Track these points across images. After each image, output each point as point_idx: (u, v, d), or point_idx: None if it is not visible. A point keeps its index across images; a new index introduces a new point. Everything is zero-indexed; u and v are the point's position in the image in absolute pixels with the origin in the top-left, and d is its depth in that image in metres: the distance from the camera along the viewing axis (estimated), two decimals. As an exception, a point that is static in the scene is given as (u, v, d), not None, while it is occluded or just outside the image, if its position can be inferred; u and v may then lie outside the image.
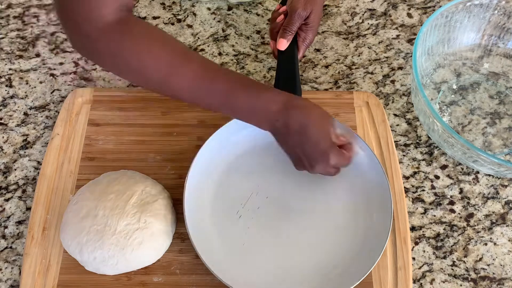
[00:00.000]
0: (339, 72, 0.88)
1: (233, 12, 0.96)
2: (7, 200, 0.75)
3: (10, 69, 0.88)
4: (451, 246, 0.73)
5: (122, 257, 0.65)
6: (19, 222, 0.73)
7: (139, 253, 0.66)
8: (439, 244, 0.73)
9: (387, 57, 0.91)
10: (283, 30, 0.78)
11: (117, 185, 0.68)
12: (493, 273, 0.71)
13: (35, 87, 0.86)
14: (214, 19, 0.95)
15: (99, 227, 0.65)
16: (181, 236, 0.71)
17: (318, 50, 0.91)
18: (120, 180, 0.69)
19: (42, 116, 0.83)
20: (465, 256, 0.72)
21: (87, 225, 0.65)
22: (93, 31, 0.60)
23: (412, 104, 0.85)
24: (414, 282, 0.70)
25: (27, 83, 0.86)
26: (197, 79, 0.65)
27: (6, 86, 0.86)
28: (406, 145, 0.81)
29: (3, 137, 0.81)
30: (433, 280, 0.70)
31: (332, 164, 0.67)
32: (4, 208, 0.74)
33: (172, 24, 0.94)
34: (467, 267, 0.71)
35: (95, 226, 0.65)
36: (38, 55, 0.89)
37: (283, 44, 0.78)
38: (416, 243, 0.73)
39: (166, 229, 0.68)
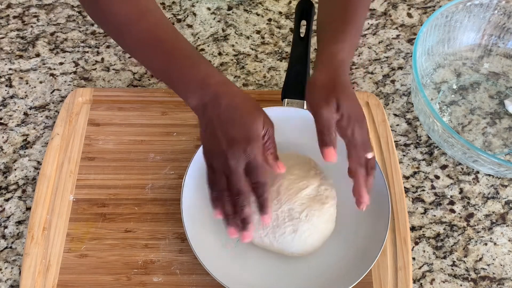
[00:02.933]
0: (339, 72, 0.88)
1: (233, 12, 0.96)
2: (7, 200, 0.75)
3: (10, 69, 0.88)
4: (451, 246, 0.73)
5: (271, 234, 0.67)
6: (19, 222, 0.73)
7: (287, 239, 0.67)
8: (439, 244, 0.73)
9: (387, 57, 0.91)
10: (321, 137, 0.63)
11: (297, 170, 0.70)
12: (493, 273, 0.71)
13: (35, 87, 0.86)
14: (214, 19, 0.95)
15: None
16: (180, 236, 0.71)
17: (318, 50, 0.91)
18: (302, 166, 0.71)
19: (42, 116, 0.83)
20: (465, 256, 0.72)
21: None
22: None
23: (412, 104, 0.85)
24: (414, 282, 0.70)
25: (27, 83, 0.86)
26: (144, 37, 0.66)
27: (6, 86, 0.86)
28: (406, 145, 0.81)
29: (3, 137, 0.81)
30: (433, 280, 0.70)
31: (247, 151, 0.59)
32: (4, 208, 0.74)
33: (172, 24, 0.94)
34: (467, 267, 0.71)
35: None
36: (38, 55, 0.90)
37: (331, 155, 0.62)
38: (416, 243, 0.73)
39: (321, 233, 0.68)
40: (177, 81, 0.66)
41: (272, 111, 0.76)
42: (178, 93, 0.67)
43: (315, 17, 0.95)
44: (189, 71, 0.65)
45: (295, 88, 0.79)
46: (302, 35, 0.83)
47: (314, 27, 0.94)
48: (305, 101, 0.78)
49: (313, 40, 0.93)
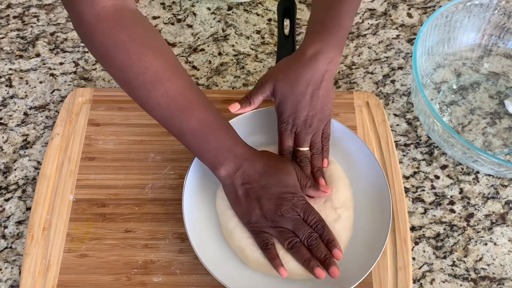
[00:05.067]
0: (339, 72, 0.88)
1: (233, 12, 0.96)
2: (7, 200, 0.75)
3: (10, 69, 0.88)
4: (451, 246, 0.73)
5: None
6: (19, 222, 0.73)
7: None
8: (439, 244, 0.73)
9: (387, 57, 0.91)
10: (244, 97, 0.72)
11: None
12: (493, 273, 0.71)
13: (35, 87, 0.86)
14: (214, 19, 0.95)
15: None
16: (181, 236, 0.71)
17: (318, 50, 0.91)
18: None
19: (42, 116, 0.83)
20: (465, 256, 0.72)
21: None
22: (87, 12, 0.57)
23: (412, 104, 0.85)
24: (414, 282, 0.70)
25: (27, 83, 0.86)
26: (178, 98, 0.62)
27: (6, 86, 0.86)
28: (406, 145, 0.81)
29: (3, 137, 0.81)
30: (433, 280, 0.70)
31: (295, 201, 0.66)
32: (4, 208, 0.74)
33: (172, 24, 0.94)
34: (467, 267, 0.71)
35: None
36: (38, 55, 0.90)
37: (233, 107, 0.71)
38: (416, 243, 0.73)
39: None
40: (209, 150, 0.66)
41: (269, 112, 0.76)
42: (205, 162, 0.67)
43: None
44: (223, 141, 0.66)
45: None
46: (287, 34, 0.84)
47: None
48: None
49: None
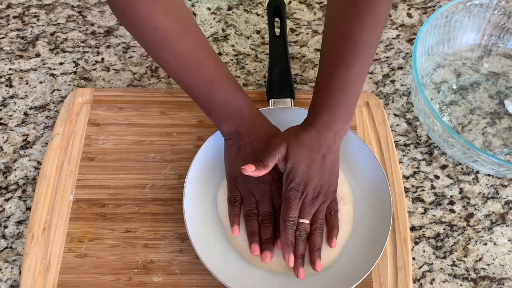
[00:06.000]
0: (339, 72, 0.88)
1: (233, 12, 0.96)
2: (7, 200, 0.75)
3: (10, 69, 0.88)
4: (451, 246, 0.73)
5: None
6: (19, 222, 0.73)
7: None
8: (439, 244, 0.73)
9: (387, 57, 0.91)
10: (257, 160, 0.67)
11: None
12: (493, 273, 0.71)
13: (35, 87, 0.86)
14: (214, 19, 0.95)
15: None
16: (181, 236, 0.71)
17: (318, 50, 0.91)
18: None
19: (42, 116, 0.83)
20: (465, 256, 0.72)
21: None
22: None
23: (412, 104, 0.85)
24: (414, 282, 0.70)
25: (27, 83, 0.86)
26: (186, 57, 0.65)
27: (6, 86, 0.86)
28: (406, 145, 0.81)
29: (3, 137, 0.81)
30: (433, 280, 0.70)
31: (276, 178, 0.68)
32: (4, 208, 0.74)
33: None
34: (467, 267, 0.71)
35: None
36: (38, 55, 0.90)
37: (247, 168, 0.65)
38: (416, 243, 0.73)
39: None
40: (215, 107, 0.69)
41: (267, 112, 0.76)
42: (211, 117, 0.70)
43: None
44: (229, 99, 0.68)
45: (279, 87, 0.80)
46: (278, 34, 0.84)
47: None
48: (291, 99, 0.79)
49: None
